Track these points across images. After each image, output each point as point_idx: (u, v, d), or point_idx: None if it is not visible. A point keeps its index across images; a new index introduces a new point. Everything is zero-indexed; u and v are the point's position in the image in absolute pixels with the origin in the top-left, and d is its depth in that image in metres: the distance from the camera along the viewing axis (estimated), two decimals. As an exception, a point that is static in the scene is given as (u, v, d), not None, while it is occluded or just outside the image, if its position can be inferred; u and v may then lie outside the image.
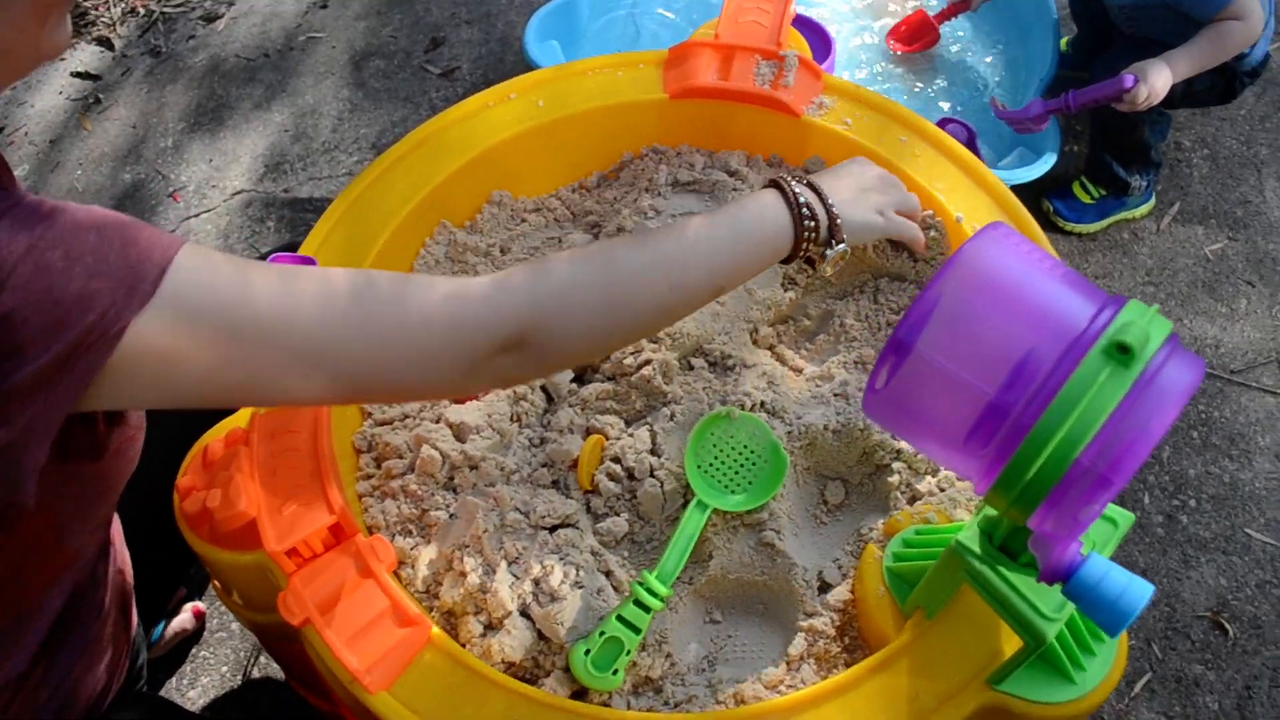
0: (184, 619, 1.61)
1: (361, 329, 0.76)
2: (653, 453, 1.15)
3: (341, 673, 0.91)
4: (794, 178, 1.03)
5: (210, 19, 2.81)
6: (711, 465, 1.14)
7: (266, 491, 0.99)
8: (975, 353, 0.71)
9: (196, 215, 2.32)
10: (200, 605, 1.65)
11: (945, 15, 2.45)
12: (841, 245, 1.04)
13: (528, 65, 2.46)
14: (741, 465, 1.14)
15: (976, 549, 0.86)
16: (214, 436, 1.05)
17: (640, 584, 1.02)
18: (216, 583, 1.14)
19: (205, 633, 1.66)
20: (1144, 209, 2.32)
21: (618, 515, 1.14)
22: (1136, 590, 0.75)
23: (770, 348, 1.29)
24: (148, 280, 0.66)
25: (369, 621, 0.93)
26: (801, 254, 1.01)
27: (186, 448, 1.08)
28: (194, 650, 1.64)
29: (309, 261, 1.09)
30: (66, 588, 0.92)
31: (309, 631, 0.92)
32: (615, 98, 1.42)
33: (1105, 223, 2.29)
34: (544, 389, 1.22)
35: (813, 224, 1.00)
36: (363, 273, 0.79)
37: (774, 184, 1.01)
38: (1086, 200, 2.29)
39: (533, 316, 0.83)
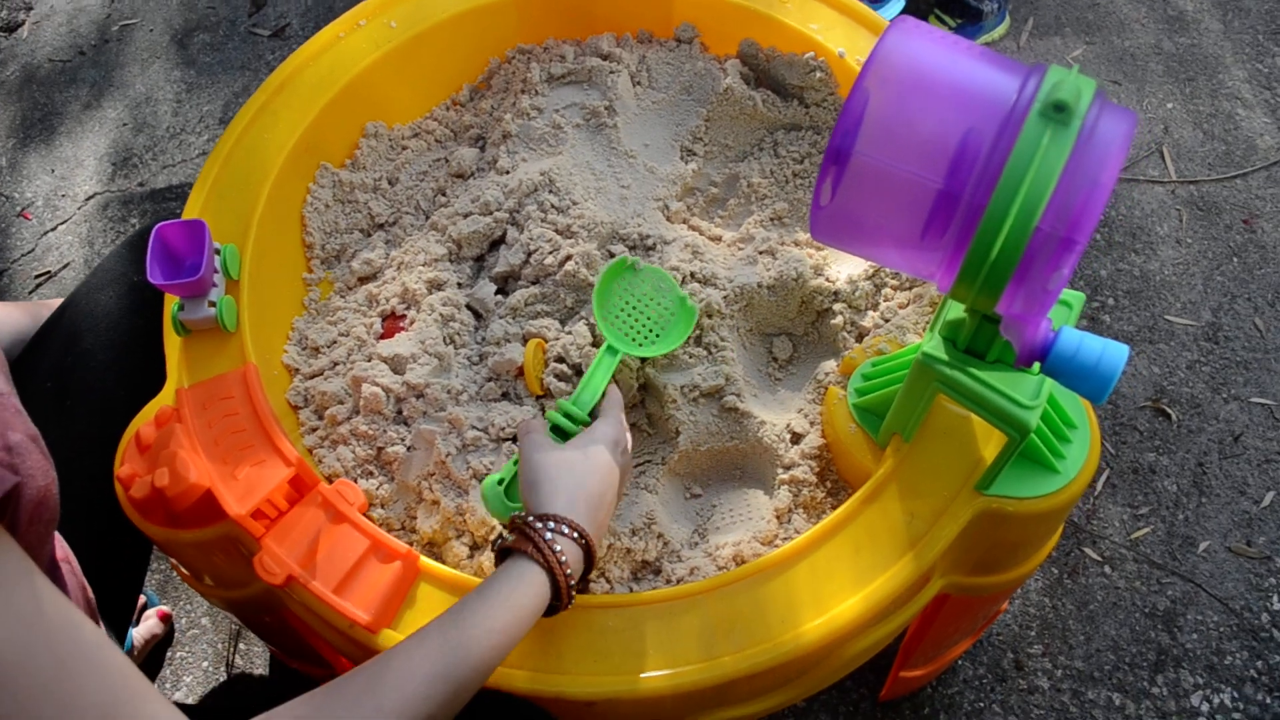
0: (150, 625, 1.56)
1: None
2: (595, 345, 1.13)
3: (339, 620, 0.89)
4: (541, 524, 0.85)
5: (10, 28, 2.65)
6: (620, 317, 1.11)
7: (214, 461, 0.95)
8: (914, 145, 0.71)
9: (54, 229, 2.21)
10: (164, 608, 1.60)
11: None
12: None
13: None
14: (650, 319, 1.13)
15: (944, 356, 0.87)
16: (142, 421, 1.01)
17: (558, 411, 0.99)
18: (183, 571, 1.10)
19: (176, 633, 1.61)
20: (1000, 30, 2.34)
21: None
22: (1114, 352, 0.76)
23: (684, 221, 1.28)
24: None
25: (354, 564, 0.90)
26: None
27: (109, 447, 1.03)
28: (169, 653, 1.59)
29: (200, 226, 1.04)
30: None
31: (295, 588, 0.90)
32: (468, 3, 1.38)
33: None
34: (469, 306, 1.19)
35: (573, 577, 0.85)
36: None
37: (526, 545, 0.84)
38: (945, 30, 2.30)
39: None
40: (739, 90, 1.32)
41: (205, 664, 1.59)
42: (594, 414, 1.00)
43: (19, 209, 2.26)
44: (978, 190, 0.68)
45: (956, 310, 0.86)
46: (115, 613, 1.12)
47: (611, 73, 1.34)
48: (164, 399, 1.03)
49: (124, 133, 2.36)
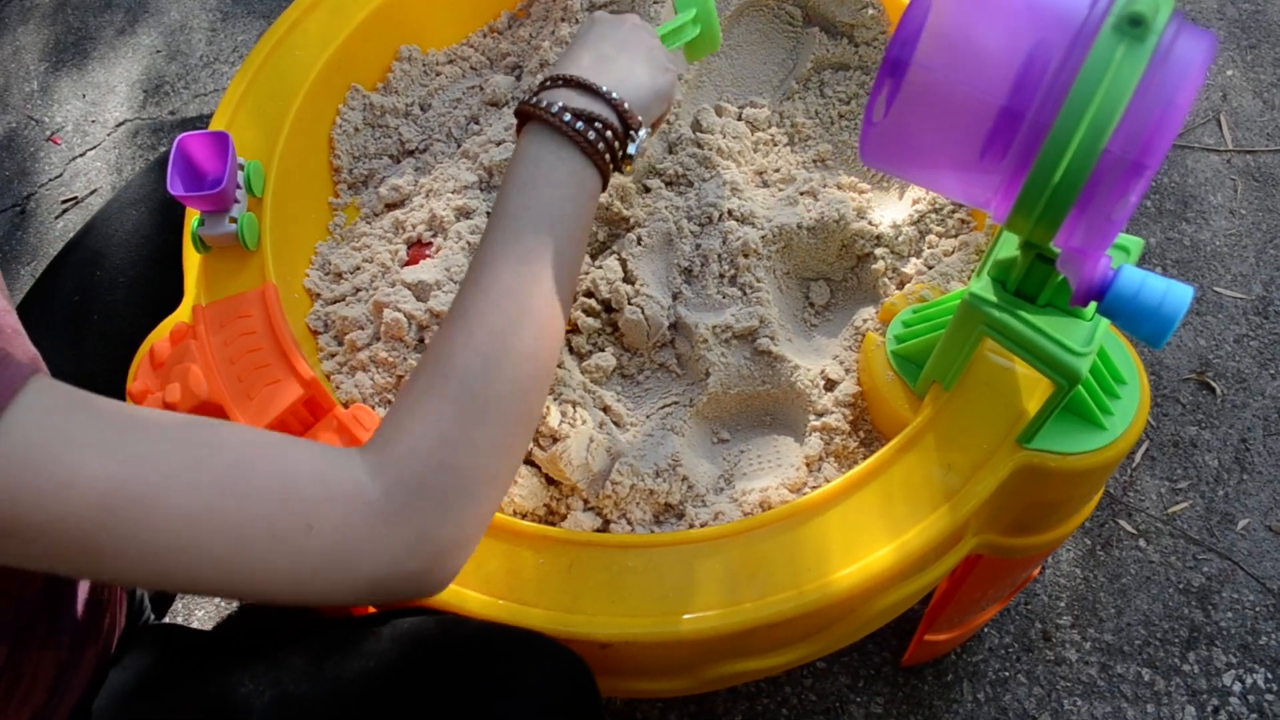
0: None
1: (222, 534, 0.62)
2: (626, 280, 1.10)
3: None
4: (541, 86, 0.81)
5: (49, -49, 2.63)
6: None
7: (228, 379, 0.92)
8: (976, 59, 0.66)
9: (82, 154, 2.19)
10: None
11: None
12: (643, 131, 0.83)
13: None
14: None
15: (993, 297, 0.83)
16: (157, 337, 0.98)
17: None
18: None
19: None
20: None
21: (602, 350, 1.09)
22: (1177, 293, 0.72)
23: (723, 155, 1.24)
24: None
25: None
26: (613, 170, 0.82)
27: (126, 366, 1.00)
28: (177, 589, 1.58)
29: (224, 139, 1.01)
30: None
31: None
32: (512, -74, 1.33)
33: None
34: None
35: (601, 132, 0.78)
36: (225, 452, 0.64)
37: (526, 116, 0.79)
38: None
39: (432, 531, 0.67)
40: (797, 32, 1.27)
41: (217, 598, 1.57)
42: None
43: (48, 133, 2.24)
44: (1043, 108, 0.64)
45: (1008, 249, 0.82)
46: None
47: (655, 2, 1.29)
48: (180, 315, 1.00)
49: (157, 60, 2.33)
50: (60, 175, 2.16)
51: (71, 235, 2.04)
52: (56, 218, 2.10)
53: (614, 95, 0.80)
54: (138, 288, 1.13)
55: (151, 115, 2.23)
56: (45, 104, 2.30)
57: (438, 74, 1.33)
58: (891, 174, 0.76)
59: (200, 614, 1.57)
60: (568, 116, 0.77)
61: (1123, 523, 1.56)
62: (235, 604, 1.56)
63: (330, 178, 1.23)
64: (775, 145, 1.25)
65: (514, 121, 1.16)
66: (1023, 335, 0.81)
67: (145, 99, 2.26)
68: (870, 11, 1.25)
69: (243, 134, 1.12)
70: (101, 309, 1.12)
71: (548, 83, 0.81)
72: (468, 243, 1.11)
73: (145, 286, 1.13)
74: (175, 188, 0.97)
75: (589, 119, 0.78)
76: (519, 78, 1.32)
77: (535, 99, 0.79)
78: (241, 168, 1.06)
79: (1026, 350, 0.82)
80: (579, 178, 0.77)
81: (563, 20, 1.31)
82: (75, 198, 2.12)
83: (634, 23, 0.89)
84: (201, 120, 2.20)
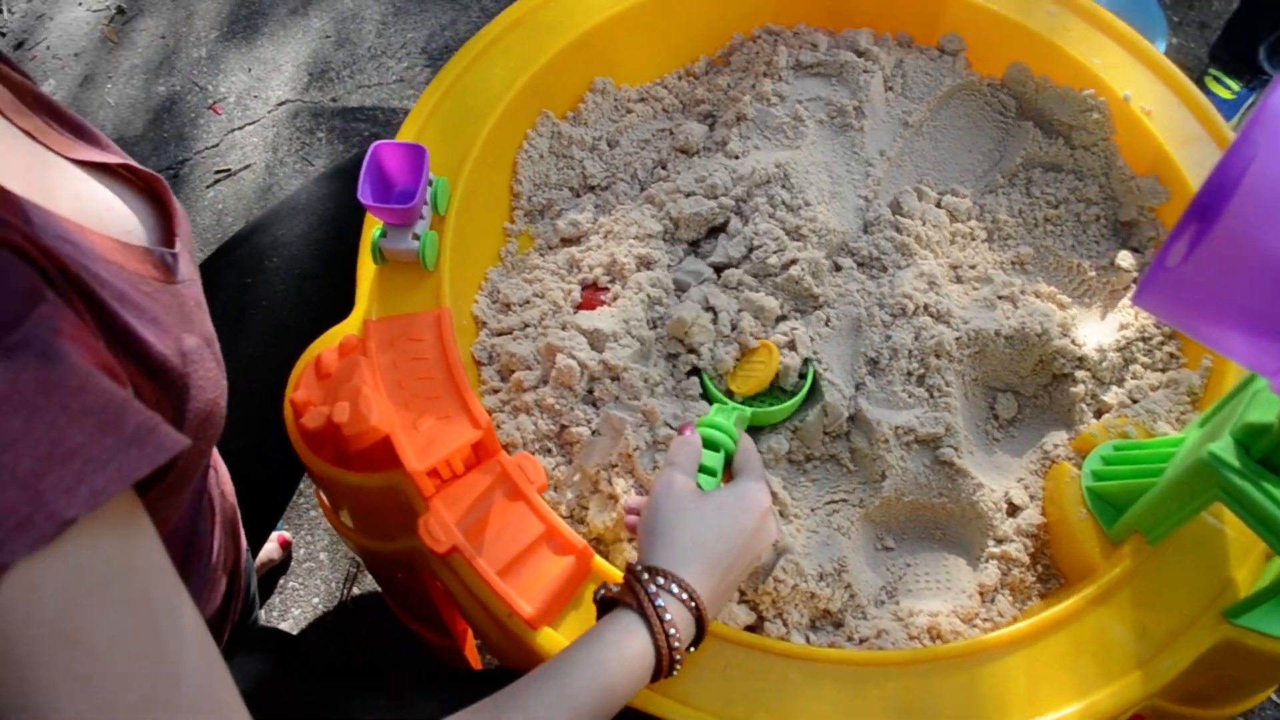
0: (269, 549, 1.51)
1: None
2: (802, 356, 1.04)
3: (497, 606, 0.81)
4: (658, 573, 0.75)
5: (235, -78, 2.65)
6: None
7: (396, 405, 0.88)
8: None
9: (241, 128, 2.19)
10: (285, 534, 1.55)
11: None
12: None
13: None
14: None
15: (1235, 462, 0.75)
16: (325, 345, 0.94)
17: (712, 424, 0.91)
18: (325, 502, 1.04)
19: (292, 563, 1.56)
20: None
21: (776, 432, 1.03)
22: None
23: (920, 243, 1.17)
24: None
25: (523, 549, 0.82)
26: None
27: (278, 372, 0.97)
28: (281, 581, 1.54)
29: (419, 153, 0.97)
30: (175, 532, 0.81)
31: (456, 561, 0.82)
32: (729, -29, 1.29)
33: (1237, 119, 2.10)
34: (678, 289, 1.10)
35: (685, 652, 0.76)
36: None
37: (631, 599, 0.74)
38: (1226, 96, 2.09)
39: None
40: (1009, 124, 1.21)
41: (316, 600, 1.54)
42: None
43: (210, 101, 2.25)
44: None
45: (1264, 413, 0.74)
46: (252, 535, 1.07)
47: (865, 71, 1.24)
48: (349, 327, 0.96)
49: (325, 45, 2.33)
50: (216, 145, 2.17)
51: (220, 206, 2.05)
52: (208, 187, 2.10)
53: (705, 612, 0.76)
54: (296, 297, 1.11)
55: (313, 99, 2.23)
56: (211, 73, 2.31)
57: (629, 111, 1.29)
58: (1164, 320, 0.69)
59: (296, 612, 1.53)
60: (672, 630, 0.73)
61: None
62: (332, 608, 1.53)
63: (509, 202, 1.19)
64: (973, 240, 1.19)
65: (705, 176, 1.13)
66: (1265, 511, 0.73)
67: (309, 82, 2.26)
68: (1094, 116, 1.18)
69: (432, 148, 1.08)
70: (260, 310, 1.10)
71: (667, 580, 0.75)
72: (647, 295, 1.06)
73: (305, 295, 1.12)
74: (365, 196, 0.93)
75: (684, 640, 0.75)
76: (712, 127, 1.27)
77: (652, 592, 0.74)
78: (430, 183, 1.02)
79: (1265, 527, 0.74)
80: (642, 681, 0.73)
81: (765, 76, 1.26)
82: (228, 170, 2.12)
83: (770, 527, 0.84)
84: (361, 112, 2.19)
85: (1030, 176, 1.23)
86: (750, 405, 1.02)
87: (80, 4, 2.51)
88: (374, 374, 0.89)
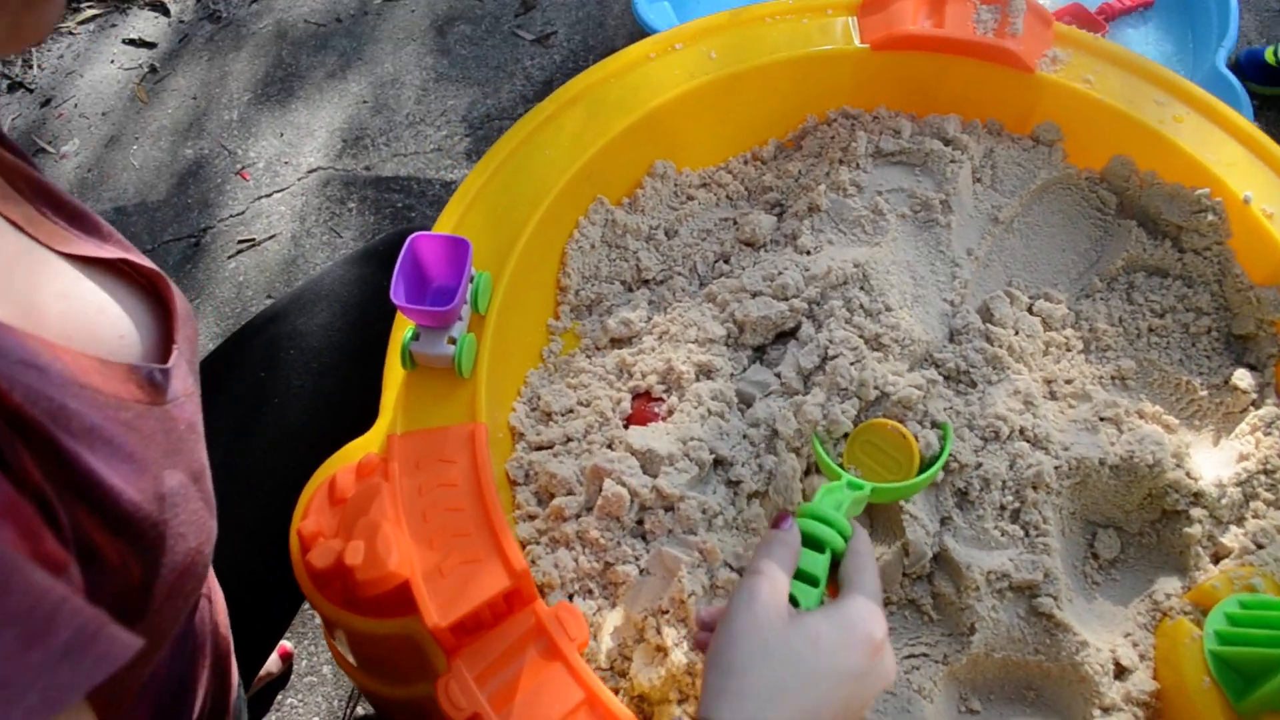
0: (269, 661, 1.41)
1: None
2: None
3: (529, 792, 0.69)
4: None
5: (276, -20, 2.61)
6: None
7: (419, 542, 0.77)
8: None
9: (269, 195, 2.12)
10: (287, 645, 1.44)
11: (1115, 11, 2.14)
12: None
13: (633, 30, 2.24)
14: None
15: None
16: (341, 464, 0.84)
17: (815, 514, 0.74)
18: (325, 628, 0.93)
19: (293, 676, 1.45)
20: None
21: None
22: None
23: (1013, 354, 1.06)
24: None
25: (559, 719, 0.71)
26: None
27: (289, 483, 0.87)
28: (280, 696, 1.43)
29: (463, 247, 0.88)
30: (149, 686, 0.71)
31: (481, 733, 0.71)
32: (803, 48, 1.20)
33: None
34: (742, 402, 1.00)
35: None
36: None
37: None
38: None
39: None
40: (1108, 222, 1.10)
41: (316, 719, 1.42)
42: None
43: (239, 167, 2.18)
44: None
45: None
46: (245, 664, 0.96)
47: (952, 161, 1.14)
48: (370, 443, 0.86)
49: (362, 111, 2.27)
50: (243, 213, 2.10)
51: (241, 278, 1.97)
52: (230, 257, 2.03)
53: None
54: (326, 380, 1.04)
55: (346, 167, 2.16)
56: (241, 136, 2.25)
57: (689, 198, 1.20)
58: None
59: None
60: None
61: None
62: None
63: (555, 296, 1.09)
64: (1068, 350, 1.08)
65: (773, 274, 1.03)
66: None
67: (343, 149, 2.19)
68: (1209, 217, 1.07)
69: (475, 238, 0.99)
70: (282, 393, 1.03)
71: None
72: (708, 410, 0.95)
73: (331, 382, 1.04)
74: (399, 296, 0.84)
75: None
76: (781, 218, 1.17)
77: None
78: (471, 279, 0.92)
79: None
80: None
81: (841, 163, 1.17)
82: (253, 239, 2.05)
83: (884, 669, 0.66)
84: (396, 182, 2.11)
85: (1132, 281, 1.12)
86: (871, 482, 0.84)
87: (113, 61, 2.47)
88: (395, 503, 0.79)
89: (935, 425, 0.95)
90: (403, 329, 0.91)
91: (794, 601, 0.67)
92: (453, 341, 0.88)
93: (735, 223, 1.17)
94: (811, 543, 0.71)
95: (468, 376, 0.90)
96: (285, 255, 2.02)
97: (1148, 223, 1.15)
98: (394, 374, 0.91)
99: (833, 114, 1.24)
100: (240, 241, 2.05)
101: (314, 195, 2.11)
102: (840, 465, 0.90)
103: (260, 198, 2.12)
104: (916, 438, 0.92)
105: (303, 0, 2.54)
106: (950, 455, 0.94)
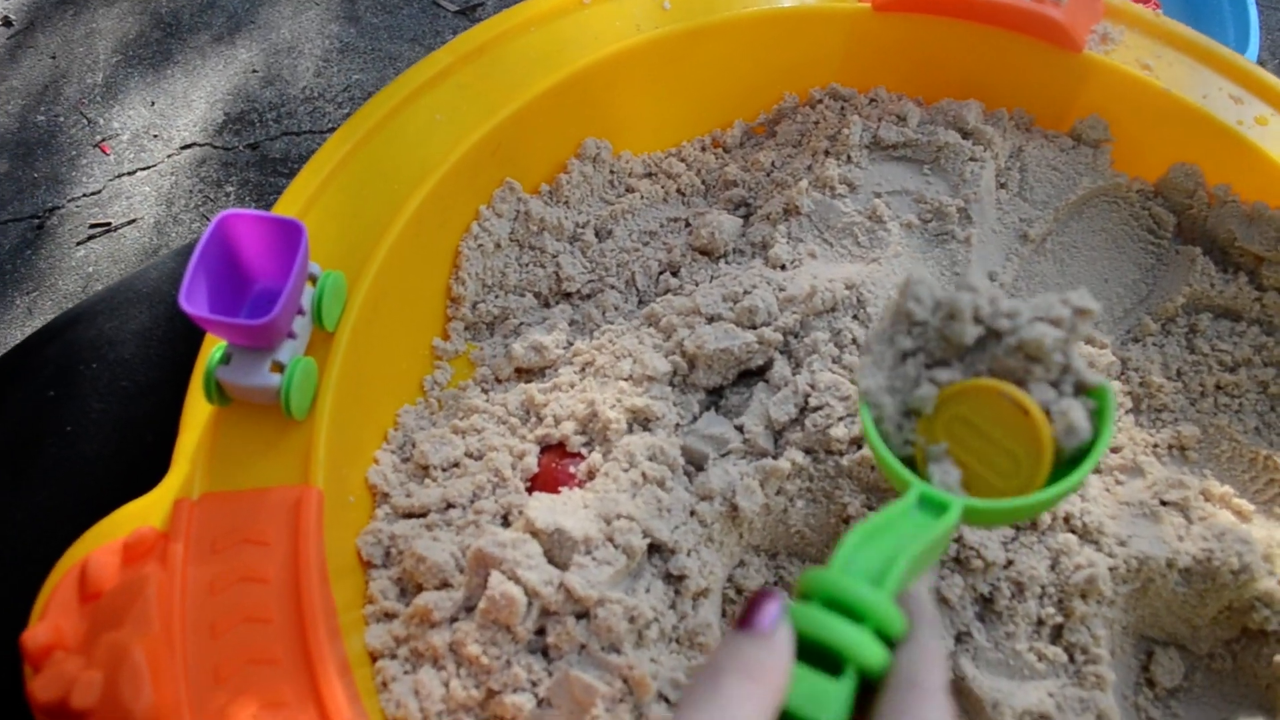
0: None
1: None
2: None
3: None
4: None
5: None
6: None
7: (195, 675, 0.54)
8: None
9: (132, 173, 1.91)
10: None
11: None
12: None
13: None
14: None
15: None
16: (103, 540, 0.61)
17: (823, 600, 0.42)
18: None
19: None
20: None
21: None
22: None
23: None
24: None
25: None
26: None
27: (87, 522, 0.65)
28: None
29: (295, 232, 0.65)
30: None
31: None
32: (784, 1, 1.00)
33: None
34: (690, 463, 0.78)
35: None
36: None
37: None
38: None
39: None
40: (1164, 247, 0.91)
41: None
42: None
43: (99, 139, 1.96)
44: None
45: None
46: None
47: (973, 160, 0.94)
48: (150, 510, 0.63)
49: (251, 81, 2.07)
50: (98, 192, 1.88)
51: (90, 269, 1.74)
52: (79, 243, 1.81)
53: None
54: (136, 405, 0.84)
55: (227, 144, 1.94)
56: (105, 104, 2.03)
57: (629, 189, 0.99)
58: None
59: None
60: None
61: None
62: None
63: (443, 309, 0.87)
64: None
65: (737, 292, 0.83)
66: None
67: (224, 123, 1.98)
68: (1295, 239, 0.88)
69: (324, 227, 0.77)
70: (76, 419, 0.83)
71: None
72: (643, 474, 0.74)
73: (141, 408, 0.84)
74: (192, 301, 0.61)
75: None
76: (748, 220, 0.96)
77: None
78: (313, 280, 0.70)
79: None
80: None
81: (828, 154, 0.96)
82: (108, 224, 1.83)
83: None
84: (285, 165, 1.91)
85: (1195, 324, 0.93)
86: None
87: (-39, 11, 2.23)
88: (169, 610, 0.56)
89: (1083, 391, 0.57)
90: (211, 349, 0.68)
91: None
92: (279, 368, 0.66)
93: (688, 224, 0.97)
94: (817, 654, 0.41)
95: (301, 418, 0.68)
96: (145, 244, 1.80)
97: (1216, 251, 0.96)
98: (196, 411, 0.68)
99: (818, 92, 1.04)
100: (92, 226, 1.83)
101: (186, 175, 1.89)
102: (912, 461, 0.57)
103: (121, 175, 1.90)
104: (1048, 412, 0.55)
105: (192, -49, 2.32)
106: (973, 550, 0.73)
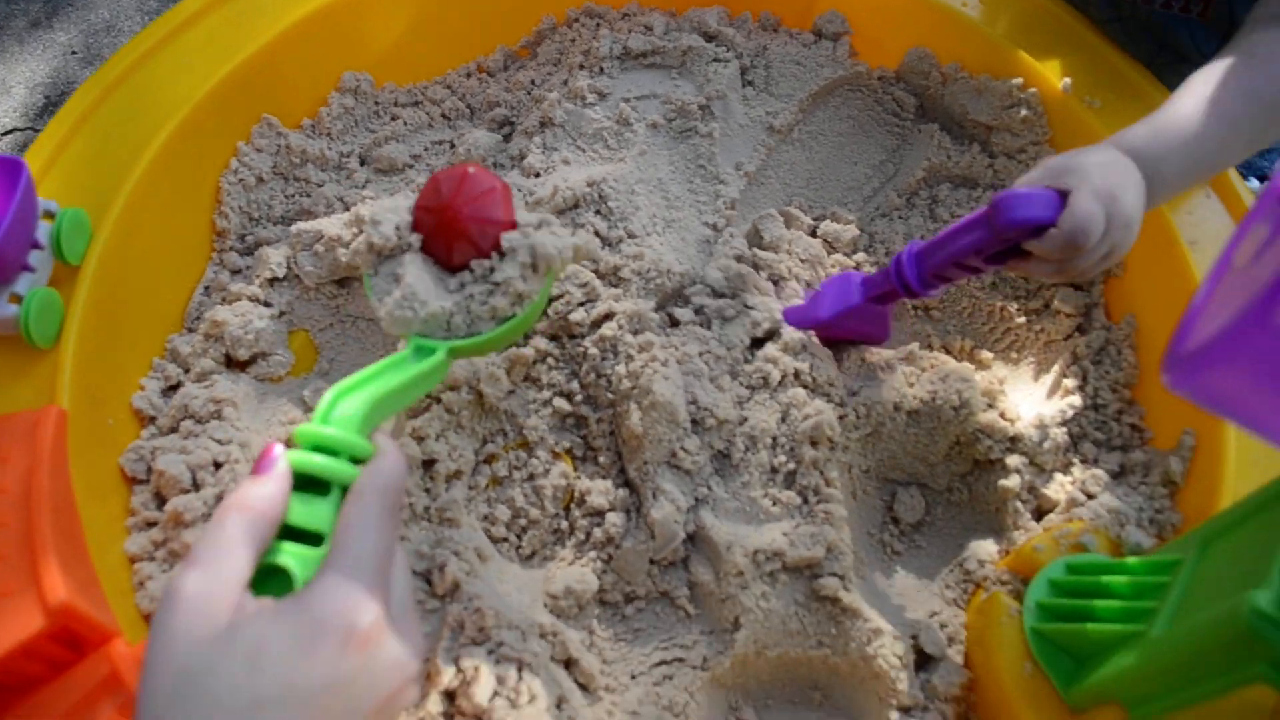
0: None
1: None
2: (625, 483, 0.79)
3: None
4: None
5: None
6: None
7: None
8: None
9: (-55, 164, 1.88)
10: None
11: None
12: None
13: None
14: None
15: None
16: None
17: (307, 444, 0.51)
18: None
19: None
20: None
21: (578, 560, 0.77)
22: None
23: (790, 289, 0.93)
24: None
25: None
26: None
27: None
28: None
29: (15, 169, 0.69)
30: None
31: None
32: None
33: None
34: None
35: None
36: None
37: None
38: None
39: None
40: (906, 127, 0.98)
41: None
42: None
43: (-93, 130, 1.94)
44: None
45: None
46: None
47: (716, 60, 1.00)
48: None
49: (70, 63, 2.05)
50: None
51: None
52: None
53: None
54: None
55: (48, 129, 1.93)
56: (-85, 95, 2.00)
57: (393, 118, 1.03)
58: (1206, 404, 0.44)
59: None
60: None
61: None
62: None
63: (210, 242, 0.91)
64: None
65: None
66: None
67: (45, 107, 1.97)
68: (1022, 112, 0.95)
69: (74, 169, 0.80)
70: None
71: None
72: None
73: None
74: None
75: None
76: (508, 137, 1.01)
77: None
78: (49, 216, 0.74)
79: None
80: None
81: (581, 68, 1.02)
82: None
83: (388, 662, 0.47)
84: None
85: (935, 195, 1.00)
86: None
87: None
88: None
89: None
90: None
91: (286, 581, 0.47)
92: (17, 299, 0.70)
93: (452, 145, 1.01)
94: (311, 482, 0.50)
95: (46, 346, 0.72)
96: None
97: (952, 125, 1.03)
98: (-67, 346, 0.72)
99: (574, 12, 1.10)
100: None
101: (7, 163, 1.88)
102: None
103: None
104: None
105: (3, -62, 2.29)
106: (707, 410, 0.79)
